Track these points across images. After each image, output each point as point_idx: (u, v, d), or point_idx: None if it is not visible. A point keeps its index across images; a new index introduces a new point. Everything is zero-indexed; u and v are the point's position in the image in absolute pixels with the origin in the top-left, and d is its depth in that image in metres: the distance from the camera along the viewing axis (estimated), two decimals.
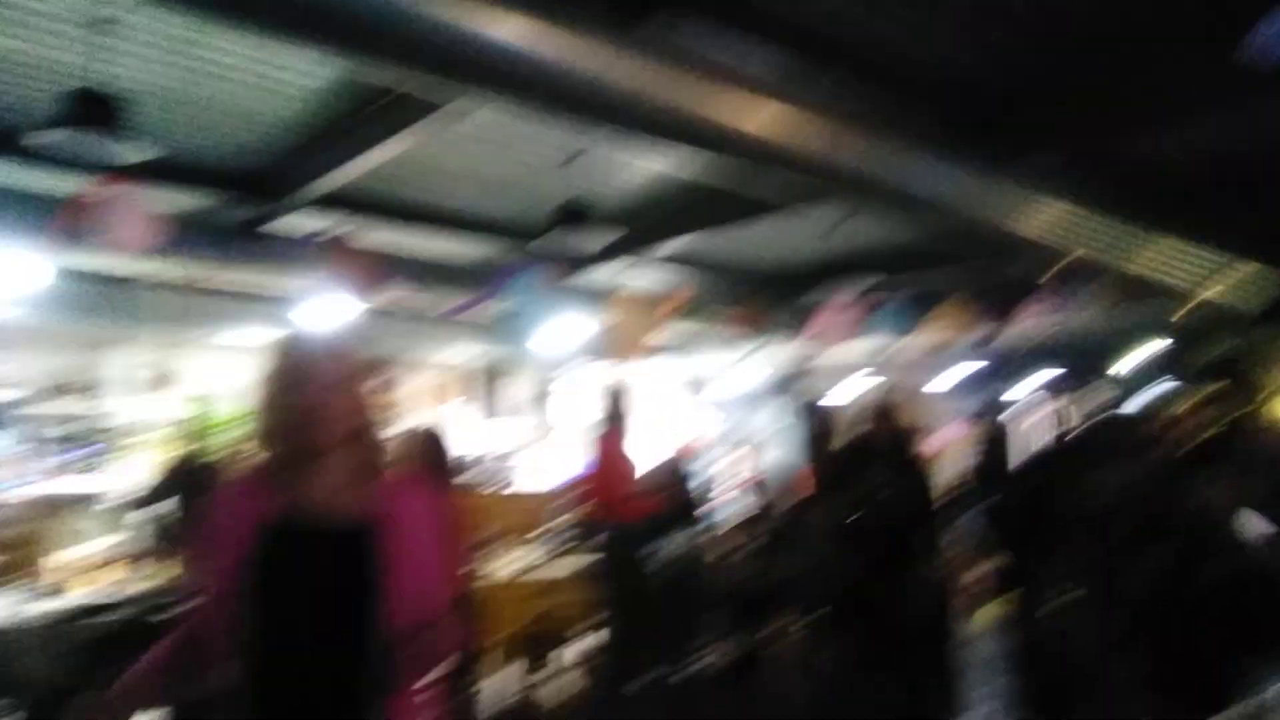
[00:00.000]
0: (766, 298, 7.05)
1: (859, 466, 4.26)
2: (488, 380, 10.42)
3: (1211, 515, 2.96)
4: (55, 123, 3.42)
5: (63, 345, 7.87)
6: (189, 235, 5.21)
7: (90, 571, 4.55)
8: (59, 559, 5.28)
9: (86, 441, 7.80)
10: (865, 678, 4.06)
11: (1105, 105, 3.85)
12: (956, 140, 3.98)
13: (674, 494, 5.63)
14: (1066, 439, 4.72)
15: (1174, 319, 6.92)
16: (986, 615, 4.41)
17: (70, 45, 3.55)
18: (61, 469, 7.70)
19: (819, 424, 5.23)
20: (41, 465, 7.73)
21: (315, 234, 5.21)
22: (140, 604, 3.55)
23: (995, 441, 5.17)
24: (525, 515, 7.72)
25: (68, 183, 4.23)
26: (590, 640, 4.87)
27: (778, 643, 6.30)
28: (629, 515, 4.39)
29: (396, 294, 5.91)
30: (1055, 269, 5.36)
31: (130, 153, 3.59)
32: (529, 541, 6.16)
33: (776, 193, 4.77)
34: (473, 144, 4.71)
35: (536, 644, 4.75)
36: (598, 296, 6.15)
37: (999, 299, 6.90)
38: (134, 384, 7.93)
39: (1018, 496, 4.29)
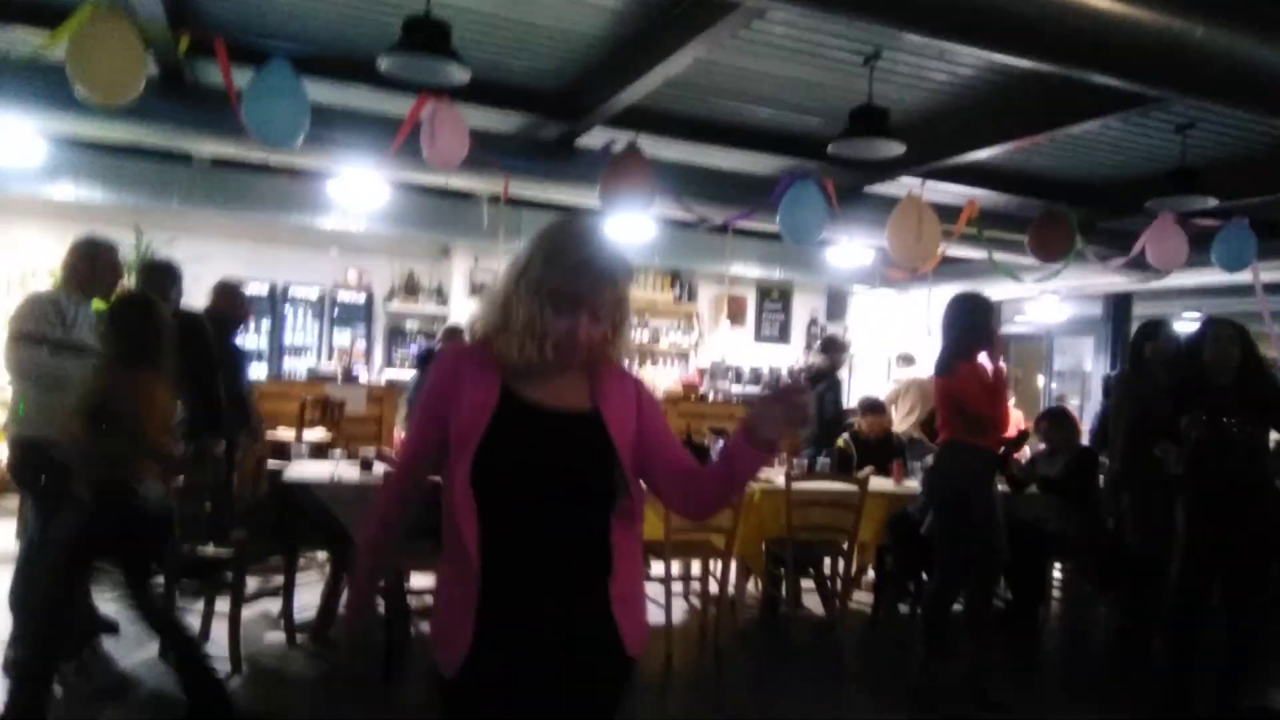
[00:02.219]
0: (1076, 216, 6.32)
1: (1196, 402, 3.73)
2: (778, 297, 10.45)
3: None
4: (395, 47, 3.84)
5: (415, 254, 9.11)
6: (510, 152, 5.73)
7: None
8: (400, 434, 6.22)
9: (431, 338, 8.99)
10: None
11: None
12: None
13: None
14: None
15: None
16: None
17: None
18: (412, 360, 8.95)
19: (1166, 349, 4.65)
20: (397, 355, 9.09)
21: (614, 148, 5.44)
22: None
23: None
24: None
25: (407, 104, 4.78)
26: (853, 559, 4.82)
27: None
28: (996, 440, 4.14)
29: (689, 207, 6.05)
30: None
31: (458, 74, 3.95)
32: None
33: (1105, 94, 4.22)
34: (767, 50, 4.65)
35: (803, 554, 4.81)
36: (888, 209, 5.88)
37: None
38: (468, 289, 8.97)
39: None
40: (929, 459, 4.53)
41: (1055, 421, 5.50)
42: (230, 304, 5.22)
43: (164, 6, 4.04)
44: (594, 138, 5.77)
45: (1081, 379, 10.63)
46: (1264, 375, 3.71)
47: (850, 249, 7.78)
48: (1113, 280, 8.00)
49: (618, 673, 1.65)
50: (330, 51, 4.85)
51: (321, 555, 5.38)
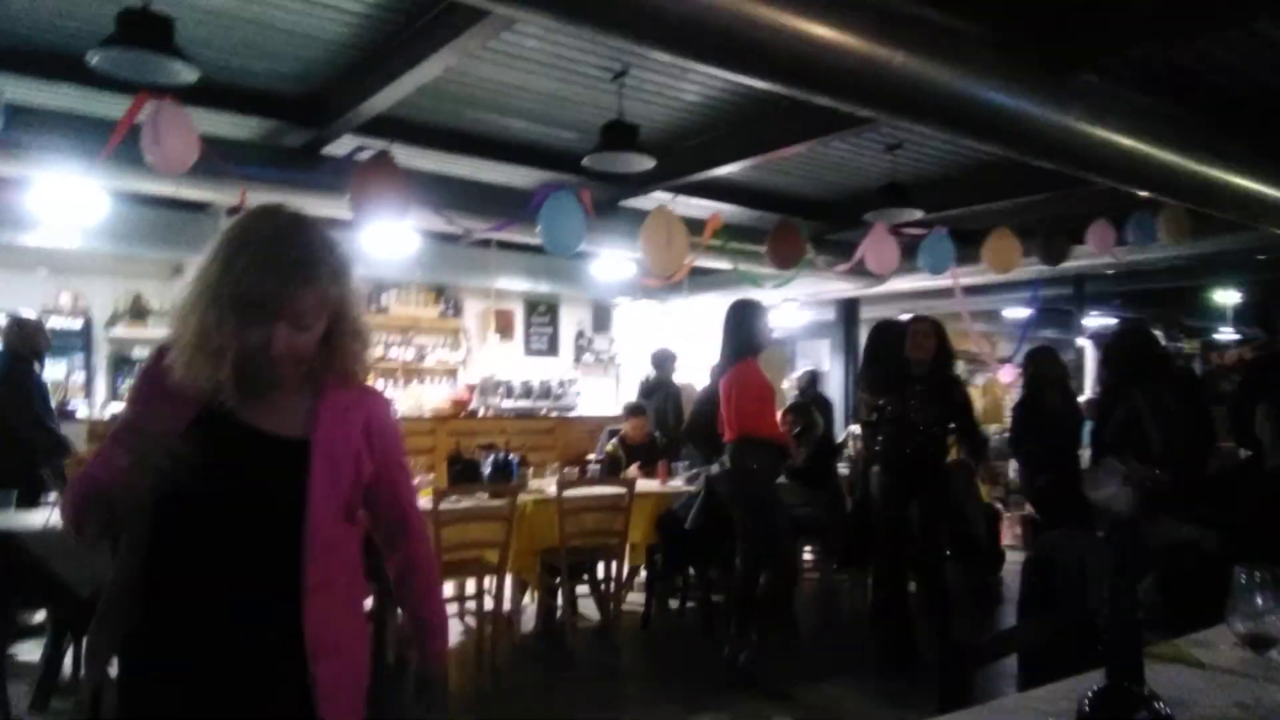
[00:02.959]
0: (807, 228, 6.94)
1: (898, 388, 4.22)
2: (545, 310, 10.55)
3: None
4: (111, 43, 3.50)
5: (143, 273, 8.24)
6: (247, 159, 5.36)
7: None
8: None
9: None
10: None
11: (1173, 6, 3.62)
12: (1015, 53, 3.81)
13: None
14: None
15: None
16: None
17: None
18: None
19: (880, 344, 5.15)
20: (123, 387, 8.16)
21: (363, 156, 5.26)
22: None
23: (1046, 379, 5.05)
24: (577, 439, 7.90)
25: (123, 106, 4.34)
26: (626, 563, 4.96)
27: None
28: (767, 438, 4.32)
29: (441, 218, 5.96)
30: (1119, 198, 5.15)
31: (184, 72, 3.65)
32: (581, 462, 6.30)
33: (825, 116, 4.66)
34: (519, 63, 4.69)
35: (576, 561, 4.87)
36: (642, 222, 6.13)
37: (1054, 232, 6.66)
38: None
39: None
40: (698, 461, 4.76)
41: (799, 415, 5.96)
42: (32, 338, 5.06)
43: None
44: (344, 146, 5.54)
45: (822, 378, 11.58)
46: (949, 366, 4.28)
47: (612, 261, 8.02)
48: (841, 286, 8.83)
49: None
50: (29, 45, 4.32)
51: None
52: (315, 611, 1.36)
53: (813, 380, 7.35)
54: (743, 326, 4.33)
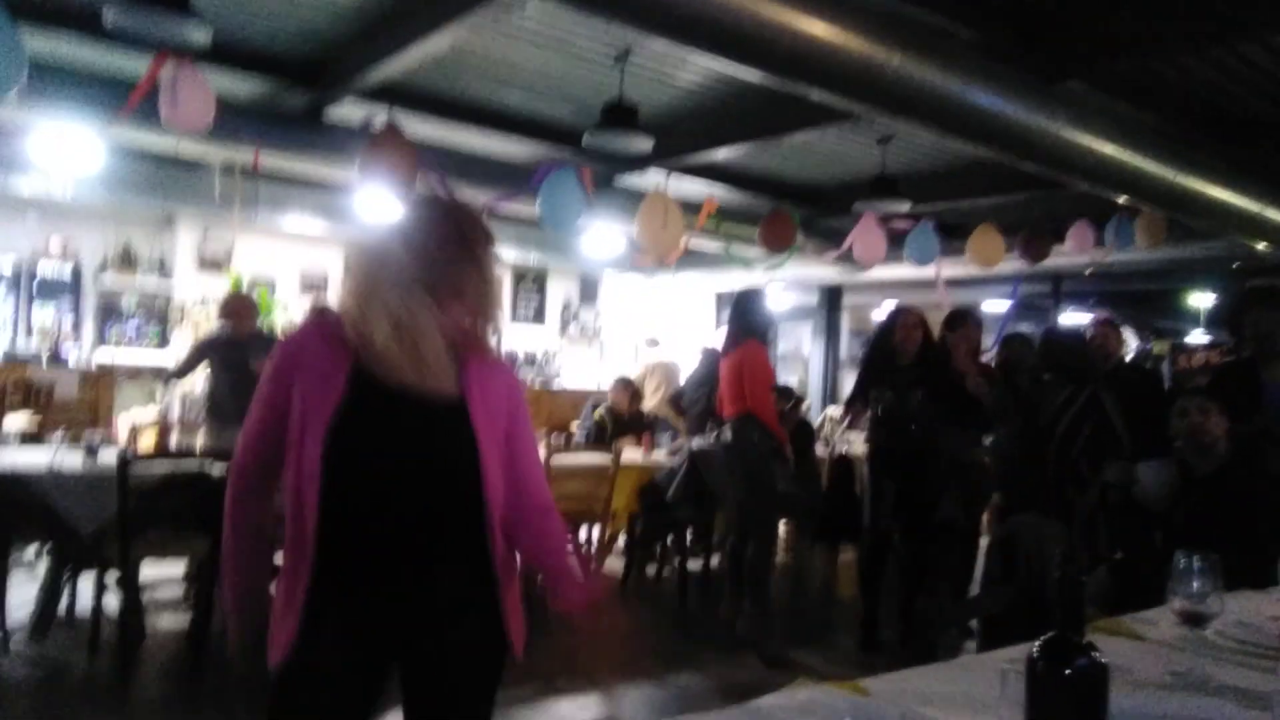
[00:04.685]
0: (797, 214, 7.07)
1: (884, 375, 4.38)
2: (533, 280, 10.64)
3: None
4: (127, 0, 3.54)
5: (133, 222, 8.25)
6: (249, 120, 5.40)
7: (146, 430, 4.90)
8: (122, 419, 5.70)
9: (151, 314, 8.22)
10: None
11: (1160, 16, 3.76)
12: (1004, 54, 3.95)
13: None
14: None
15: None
16: None
17: None
18: (128, 339, 8.14)
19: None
20: (111, 334, 8.20)
21: (367, 124, 5.32)
22: (180, 460, 3.86)
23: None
24: (562, 410, 8.05)
25: (135, 63, 4.39)
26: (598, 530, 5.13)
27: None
28: (771, 419, 4.53)
29: (442, 188, 6.03)
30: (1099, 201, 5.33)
31: (196, 33, 3.70)
32: (565, 431, 6.45)
33: (820, 108, 4.79)
34: (525, 39, 4.77)
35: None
36: (637, 200, 6.24)
37: (1036, 230, 6.84)
38: (196, 263, 8.30)
39: None
40: (679, 436, 4.91)
41: (782, 396, 6.13)
42: None
43: None
44: (344, 110, 5.59)
45: (803, 362, 11.78)
46: (940, 357, 4.45)
47: (603, 236, 8.11)
48: (826, 272, 8.99)
49: (489, 674, 1.63)
50: None
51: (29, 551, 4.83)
52: (498, 545, 1.58)
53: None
54: (751, 312, 4.56)
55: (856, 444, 5.62)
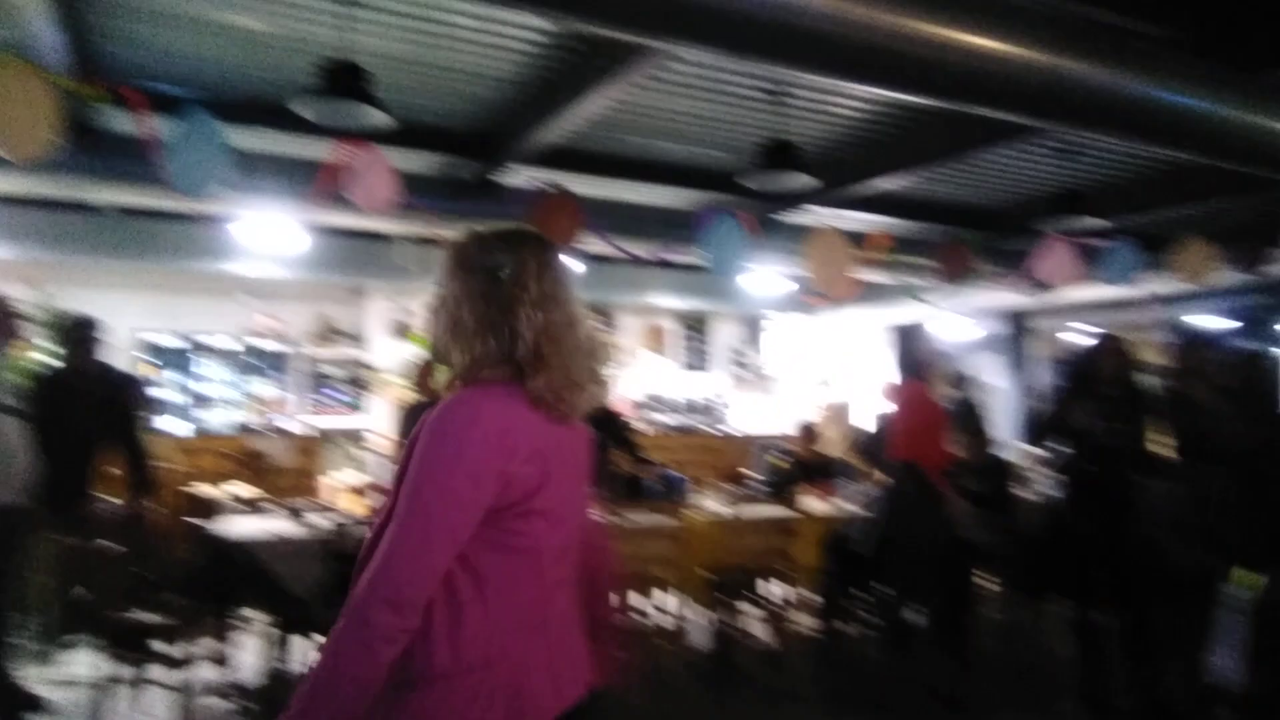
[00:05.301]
0: (973, 239, 6.70)
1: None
2: (698, 325, 10.64)
3: None
4: (313, 92, 3.85)
5: (327, 296, 8.94)
6: (427, 193, 5.72)
7: (350, 495, 5.18)
8: (326, 484, 6.07)
9: (349, 382, 8.84)
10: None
11: None
12: (1199, 48, 3.60)
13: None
14: None
15: None
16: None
17: (321, 19, 4.00)
18: (327, 406, 8.77)
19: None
20: (311, 403, 8.88)
21: (534, 187, 5.51)
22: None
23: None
24: (733, 457, 7.93)
25: (322, 148, 4.75)
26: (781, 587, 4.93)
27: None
28: (936, 465, 4.38)
29: (608, 243, 6.15)
30: None
31: (378, 118, 3.97)
32: (735, 481, 6.33)
33: (991, 125, 4.53)
34: (678, 89, 4.81)
35: (732, 583, 4.87)
36: (801, 238, 6.11)
37: (1248, 240, 6.14)
38: (387, 331, 8.86)
39: None
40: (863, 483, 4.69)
41: (971, 434, 5.74)
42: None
43: (70, 55, 3.95)
44: (508, 176, 5.83)
45: (993, 393, 11.10)
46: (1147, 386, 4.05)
47: (766, 277, 8.00)
48: (1009, 298, 8.45)
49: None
50: (240, 96, 4.80)
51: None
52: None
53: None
54: (910, 350, 4.38)
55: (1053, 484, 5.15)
